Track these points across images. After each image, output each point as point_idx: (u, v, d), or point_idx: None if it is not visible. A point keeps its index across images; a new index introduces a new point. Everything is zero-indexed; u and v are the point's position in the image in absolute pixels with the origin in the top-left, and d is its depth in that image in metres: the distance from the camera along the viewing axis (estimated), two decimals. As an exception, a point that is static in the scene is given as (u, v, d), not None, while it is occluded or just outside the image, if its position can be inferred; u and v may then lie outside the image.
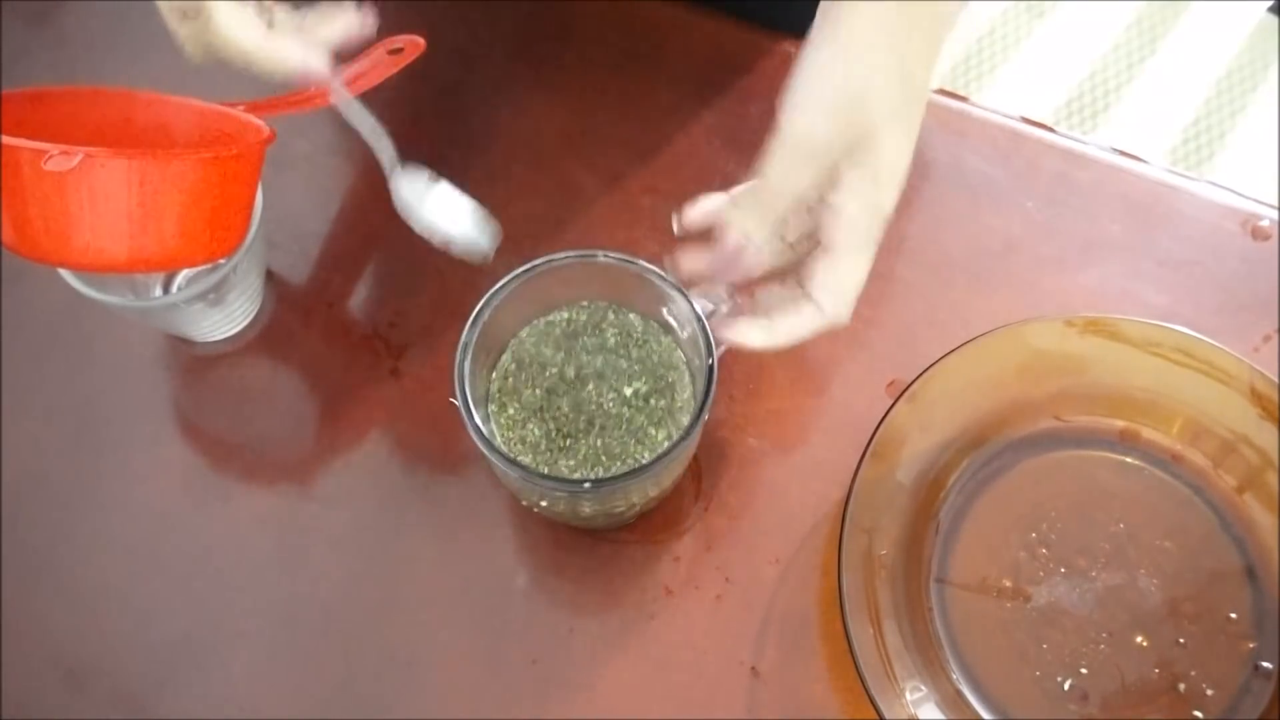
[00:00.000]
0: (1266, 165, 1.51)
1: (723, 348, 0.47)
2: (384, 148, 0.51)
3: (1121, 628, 0.51)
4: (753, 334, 0.47)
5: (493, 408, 0.52)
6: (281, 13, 0.50)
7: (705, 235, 0.47)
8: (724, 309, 0.48)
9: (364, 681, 0.53)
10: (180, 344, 0.60)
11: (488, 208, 0.51)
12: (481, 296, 0.49)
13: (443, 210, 0.50)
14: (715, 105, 0.65)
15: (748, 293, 0.48)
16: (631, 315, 0.53)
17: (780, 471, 0.56)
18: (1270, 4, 1.61)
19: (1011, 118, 0.64)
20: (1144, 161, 0.63)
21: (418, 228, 0.51)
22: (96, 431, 0.59)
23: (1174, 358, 0.54)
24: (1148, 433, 0.55)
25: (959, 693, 0.50)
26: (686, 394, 0.52)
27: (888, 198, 0.44)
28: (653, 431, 0.51)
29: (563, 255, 0.49)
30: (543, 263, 0.49)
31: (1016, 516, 0.54)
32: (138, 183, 0.45)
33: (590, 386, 0.52)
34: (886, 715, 0.47)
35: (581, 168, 0.64)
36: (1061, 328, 0.54)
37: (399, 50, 0.55)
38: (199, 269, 0.58)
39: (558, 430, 0.51)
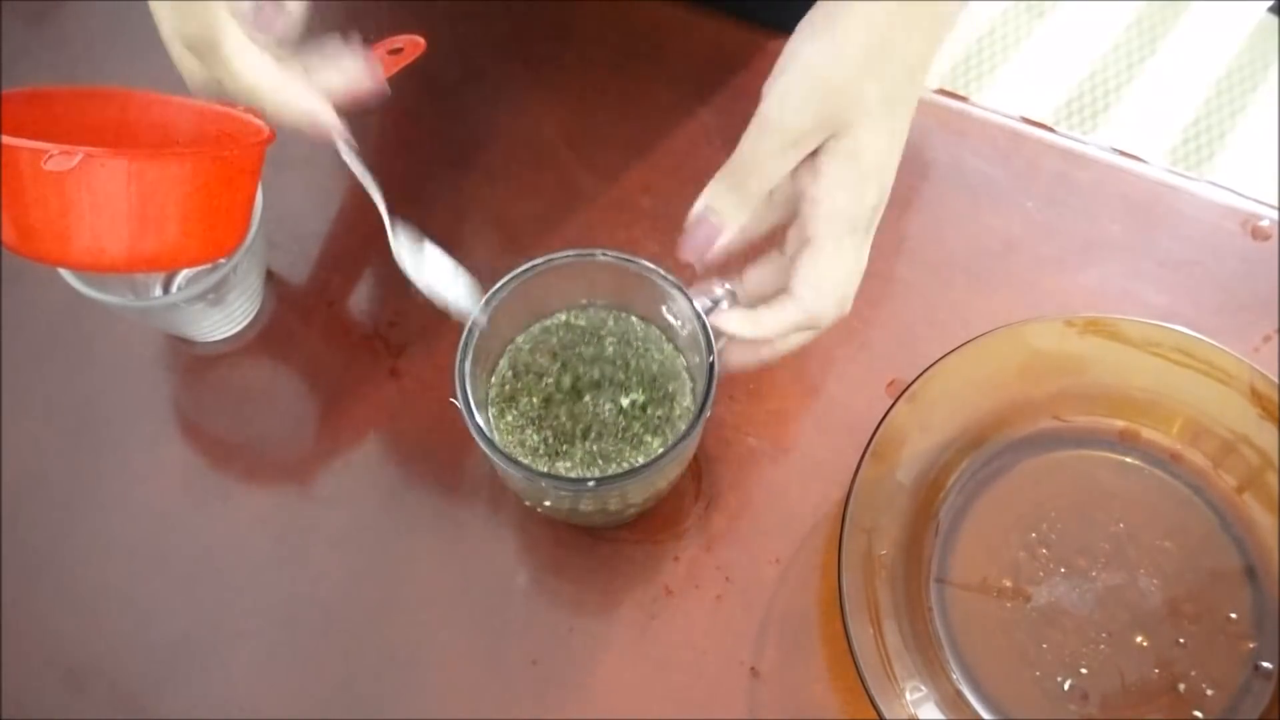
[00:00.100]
0: (1266, 165, 1.51)
1: (722, 340, 0.47)
2: (382, 208, 0.51)
3: (1121, 628, 0.51)
4: (735, 323, 0.47)
5: (492, 411, 0.52)
6: (285, 51, 0.49)
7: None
8: (724, 306, 0.48)
9: (364, 681, 0.53)
10: (180, 344, 0.60)
11: (488, 208, 0.51)
12: (481, 296, 0.49)
13: (438, 278, 0.50)
14: (715, 105, 0.65)
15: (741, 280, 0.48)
16: (632, 319, 0.53)
17: (780, 471, 0.56)
18: (1270, 4, 1.61)
19: (1011, 118, 0.64)
20: (1144, 161, 0.63)
21: (418, 288, 0.51)
22: (96, 431, 0.59)
23: (1174, 358, 0.54)
24: (1148, 433, 0.55)
25: (959, 693, 0.50)
26: (686, 401, 0.52)
27: (871, 192, 0.44)
28: (649, 439, 0.51)
29: (562, 254, 0.49)
30: (542, 262, 0.49)
31: (1016, 516, 0.54)
32: (138, 182, 0.45)
33: (587, 397, 0.52)
34: (886, 715, 0.47)
35: (581, 167, 0.64)
36: (1061, 328, 0.54)
37: (399, 50, 0.55)
38: (199, 269, 0.58)
39: (555, 436, 0.51)
